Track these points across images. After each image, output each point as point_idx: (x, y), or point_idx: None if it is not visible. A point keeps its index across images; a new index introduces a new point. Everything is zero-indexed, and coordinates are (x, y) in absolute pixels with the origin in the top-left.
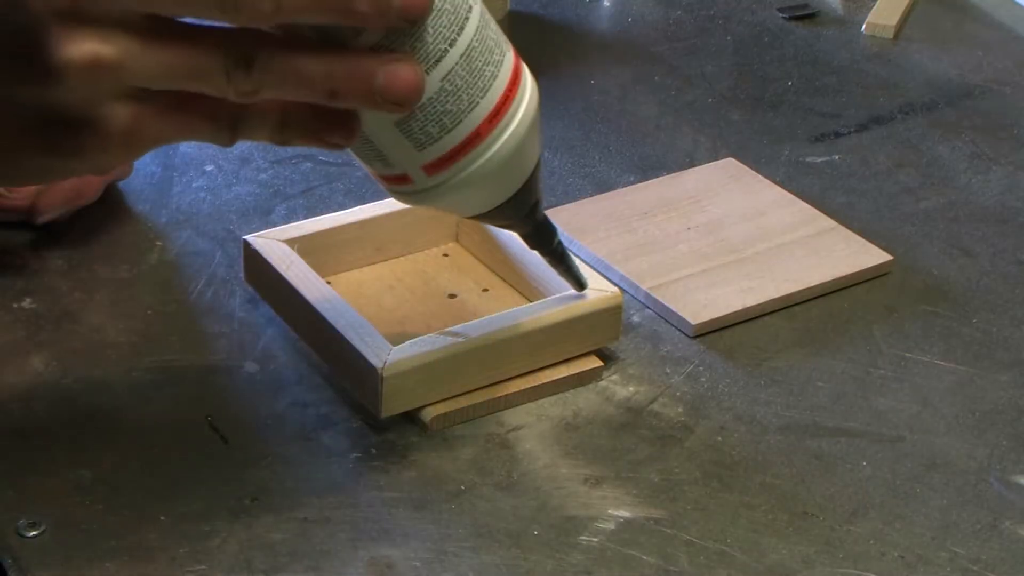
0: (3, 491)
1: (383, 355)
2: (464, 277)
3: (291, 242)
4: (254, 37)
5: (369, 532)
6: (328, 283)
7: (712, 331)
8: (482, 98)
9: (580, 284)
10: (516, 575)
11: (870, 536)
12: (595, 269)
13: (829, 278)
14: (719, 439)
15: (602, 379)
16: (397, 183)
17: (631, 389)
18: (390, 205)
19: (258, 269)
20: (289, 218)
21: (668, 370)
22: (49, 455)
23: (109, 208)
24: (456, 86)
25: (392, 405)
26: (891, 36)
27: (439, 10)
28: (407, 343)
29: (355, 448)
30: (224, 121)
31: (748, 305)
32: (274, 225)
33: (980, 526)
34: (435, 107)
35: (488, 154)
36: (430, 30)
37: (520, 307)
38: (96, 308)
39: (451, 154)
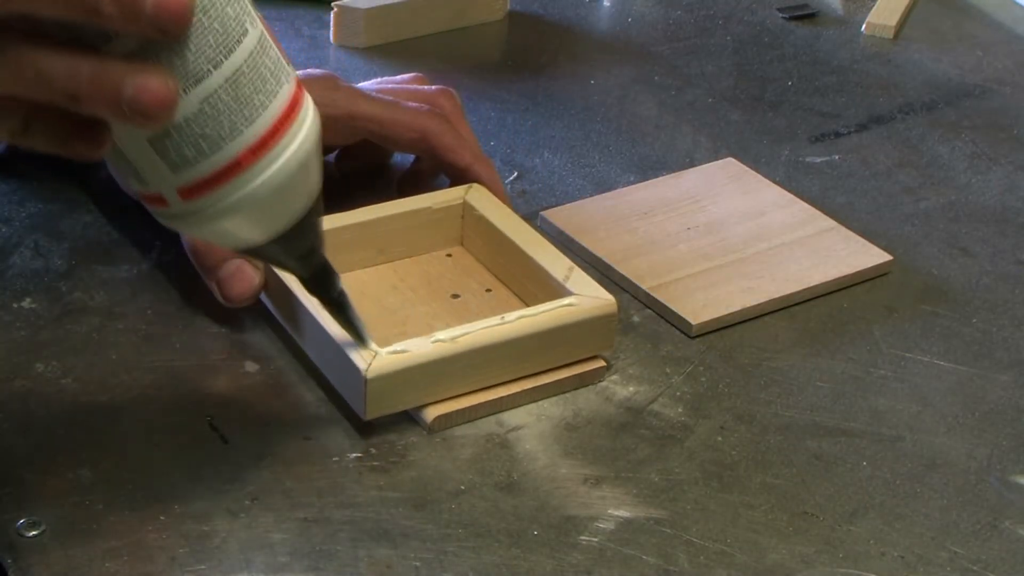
0: (3, 491)
1: (368, 357)
2: (467, 278)
3: None
4: None
5: (369, 532)
6: None
7: (712, 331)
8: (247, 127)
9: (362, 340)
10: (516, 575)
11: (870, 536)
12: (595, 269)
13: (829, 278)
14: (719, 439)
15: (602, 379)
16: (154, 203)
17: (631, 389)
18: (393, 207)
19: (255, 267)
20: None
21: (668, 370)
22: (49, 455)
23: (109, 208)
24: (218, 110)
25: (376, 407)
26: (891, 36)
27: (204, 27)
28: (393, 346)
29: (355, 448)
30: None
31: (748, 305)
32: None
33: (980, 526)
34: (192, 129)
35: (249, 187)
36: (192, 47)
37: (511, 312)
38: (96, 308)
39: (209, 180)
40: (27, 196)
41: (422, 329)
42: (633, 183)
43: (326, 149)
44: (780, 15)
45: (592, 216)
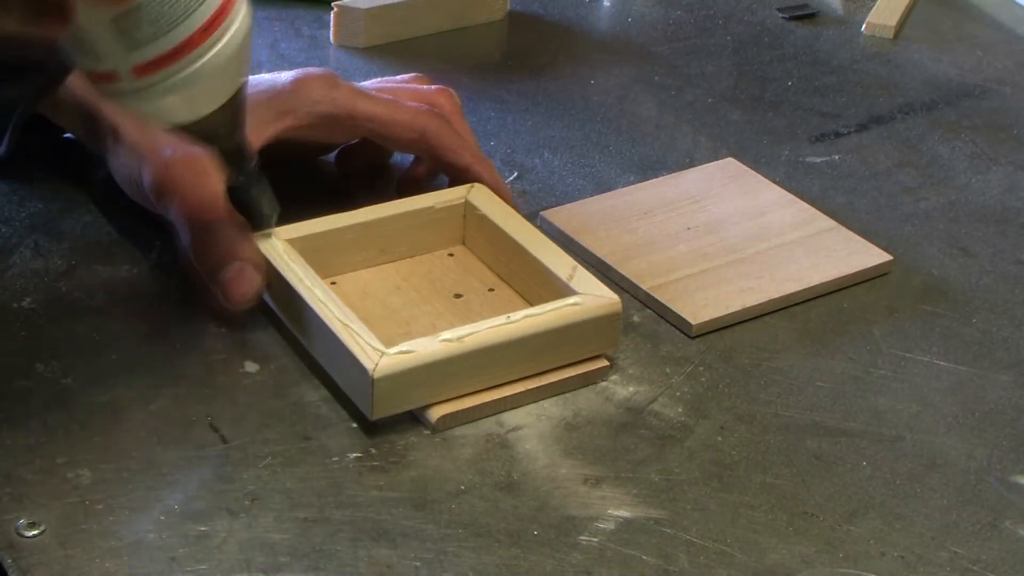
0: (3, 491)
1: (375, 357)
2: (470, 277)
3: (294, 242)
4: None
5: (369, 532)
6: (333, 283)
7: (712, 331)
8: (197, 8)
9: (263, 218)
10: (516, 575)
11: (870, 536)
12: (595, 269)
13: (829, 278)
14: (719, 439)
15: (605, 379)
16: (104, 81)
17: (631, 389)
18: (395, 207)
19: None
20: (294, 219)
21: (668, 370)
22: (49, 455)
23: (109, 208)
24: None
25: (383, 407)
26: (891, 36)
27: None
28: (400, 346)
29: (355, 448)
30: None
31: (748, 305)
32: (278, 226)
33: (980, 526)
34: (152, 9)
35: (199, 63)
36: None
37: (515, 312)
38: (96, 308)
39: (162, 58)
40: (27, 196)
41: (426, 329)
42: (633, 183)
43: (326, 148)
44: (780, 15)
45: (592, 216)
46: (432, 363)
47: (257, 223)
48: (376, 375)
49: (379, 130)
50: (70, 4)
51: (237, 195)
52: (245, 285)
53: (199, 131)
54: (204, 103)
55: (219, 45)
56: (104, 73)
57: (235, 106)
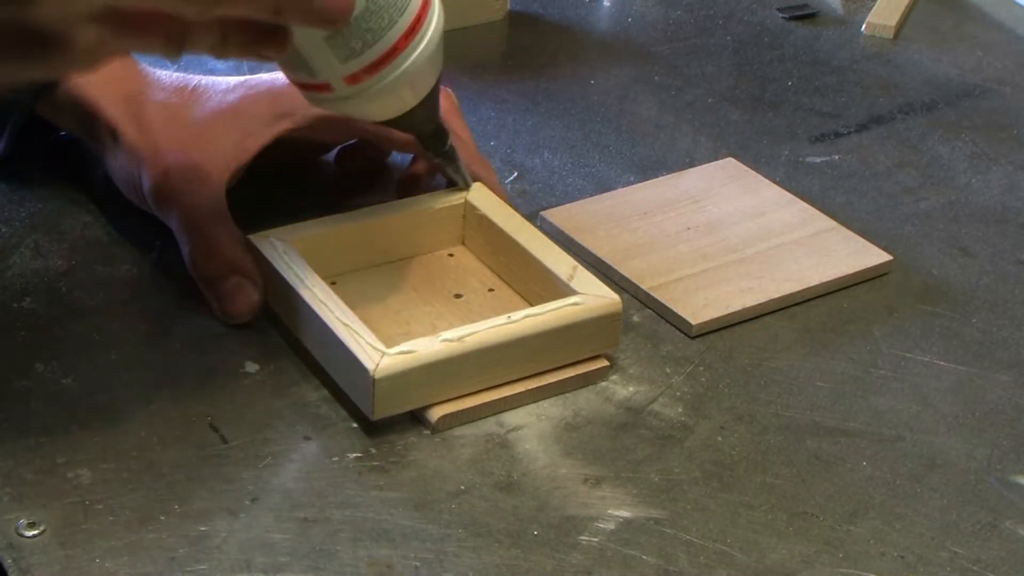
0: (3, 491)
1: (376, 357)
2: (470, 278)
3: (294, 242)
4: None
5: (369, 532)
6: (333, 284)
7: (712, 331)
8: (400, 17)
9: (466, 182)
10: (516, 575)
11: (870, 536)
12: (595, 269)
13: (829, 278)
14: (719, 439)
15: (605, 379)
16: (318, 91)
17: (631, 389)
18: (395, 207)
19: (259, 269)
20: (293, 219)
21: (668, 370)
22: (49, 455)
23: (109, 208)
24: (379, 6)
25: (384, 407)
26: (891, 36)
27: None
28: (401, 346)
29: (355, 448)
30: (174, 37)
31: (748, 305)
32: (278, 226)
33: (980, 526)
34: (360, 24)
35: (404, 66)
36: None
37: (516, 312)
38: (96, 308)
39: (371, 66)
40: (27, 196)
41: (426, 329)
42: (633, 183)
43: (325, 148)
44: (780, 15)
45: (592, 216)
46: (433, 363)
47: (464, 185)
48: (377, 375)
49: (377, 131)
50: (287, 29)
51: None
52: (242, 300)
53: (403, 123)
54: (409, 99)
55: (421, 46)
56: (318, 84)
57: (434, 95)
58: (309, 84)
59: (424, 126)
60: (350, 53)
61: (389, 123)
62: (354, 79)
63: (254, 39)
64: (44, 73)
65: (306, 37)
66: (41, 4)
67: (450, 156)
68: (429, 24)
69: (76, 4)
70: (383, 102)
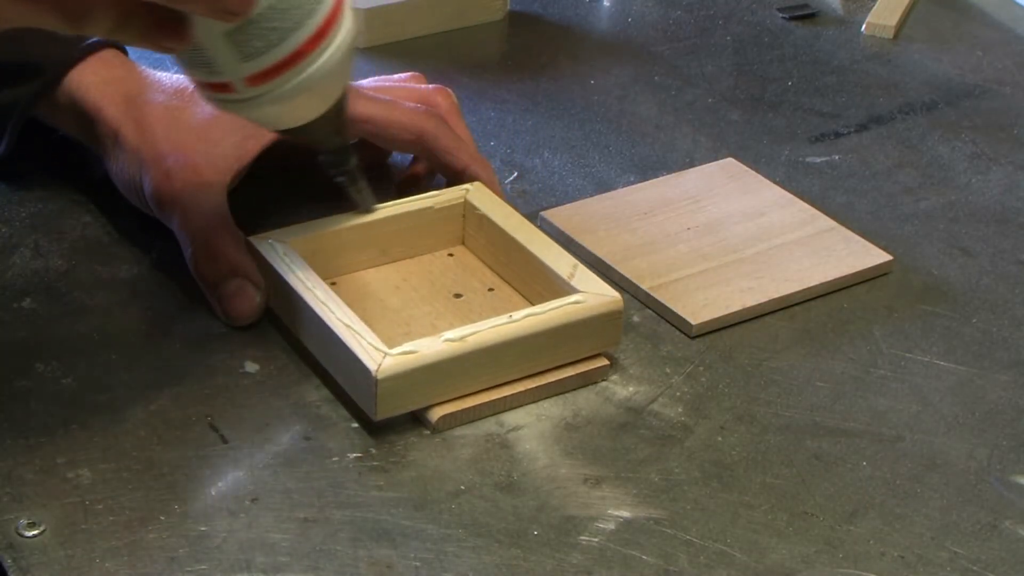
0: (3, 491)
1: (378, 358)
2: (470, 277)
3: (295, 243)
4: None
5: (369, 532)
6: (333, 284)
7: (712, 331)
8: (308, 19)
9: (368, 207)
10: (516, 575)
11: (870, 536)
12: (595, 269)
13: (829, 278)
14: (719, 439)
15: (605, 378)
16: (219, 91)
17: (631, 389)
18: (395, 207)
19: (259, 270)
20: (293, 219)
21: (668, 370)
22: (49, 455)
23: (109, 208)
24: (286, 5)
25: (387, 408)
26: (891, 36)
27: None
28: (403, 346)
29: (355, 448)
30: (70, 13)
31: (748, 305)
32: (278, 226)
33: (980, 526)
34: (264, 23)
35: (308, 71)
36: None
37: (518, 311)
38: (96, 308)
39: (274, 68)
40: (27, 196)
41: (426, 329)
42: (633, 183)
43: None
44: (780, 15)
45: (592, 216)
46: (435, 363)
47: (364, 209)
48: (379, 376)
49: (377, 131)
50: (188, 20)
51: (338, 187)
52: (244, 303)
53: (306, 134)
54: (313, 108)
55: (328, 52)
56: (218, 83)
57: (340, 108)
58: (209, 83)
59: (329, 141)
60: (253, 52)
61: (290, 133)
62: (255, 80)
63: (154, 26)
64: None
65: (208, 30)
66: None
67: (353, 177)
68: (338, 31)
69: None
70: (284, 108)
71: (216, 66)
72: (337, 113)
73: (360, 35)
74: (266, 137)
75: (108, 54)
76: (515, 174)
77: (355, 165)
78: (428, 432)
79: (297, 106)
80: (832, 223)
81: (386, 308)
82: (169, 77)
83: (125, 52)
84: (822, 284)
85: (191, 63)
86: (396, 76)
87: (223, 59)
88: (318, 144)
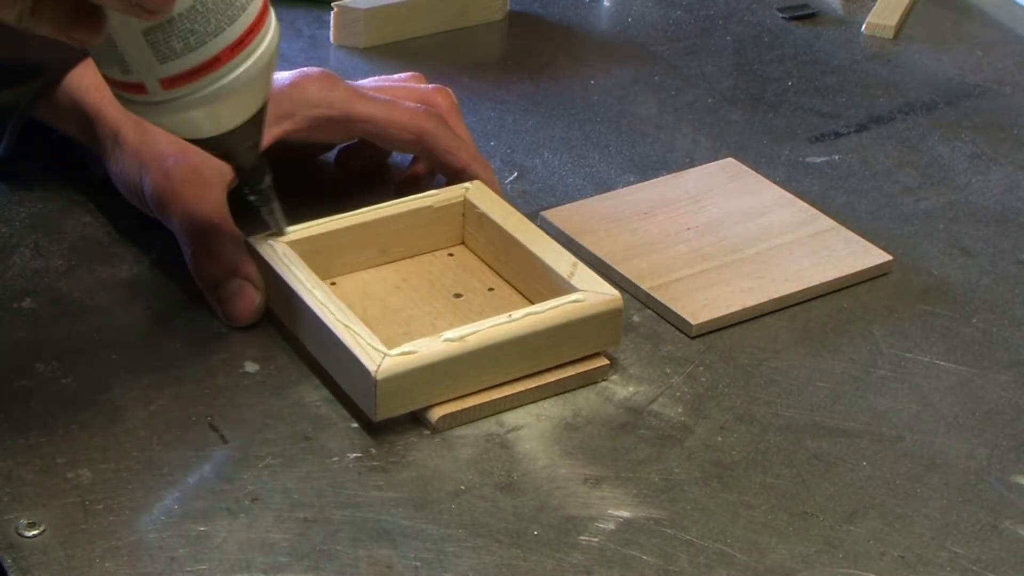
0: (3, 491)
1: (377, 358)
2: (470, 277)
3: (295, 243)
4: None
5: (369, 532)
6: (333, 284)
7: (712, 331)
8: (228, 26)
9: (281, 230)
10: (516, 575)
11: (870, 536)
12: (595, 269)
13: (829, 278)
14: (719, 439)
15: (605, 378)
16: (131, 91)
17: (631, 389)
18: (395, 207)
19: (259, 270)
20: (293, 219)
21: (668, 370)
22: (49, 455)
23: (109, 208)
24: (208, 8)
25: (387, 408)
26: (891, 36)
27: None
28: (403, 346)
29: (355, 448)
30: None
31: (748, 305)
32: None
33: (980, 526)
34: (184, 24)
35: (225, 79)
36: None
37: (517, 311)
38: (96, 308)
39: (190, 72)
40: (27, 196)
41: (426, 329)
42: (633, 183)
43: (325, 148)
44: (780, 15)
45: (592, 216)
46: (435, 363)
47: (276, 231)
48: (379, 376)
49: (377, 131)
50: (103, 13)
51: (249, 206)
52: (244, 303)
53: (219, 146)
54: (228, 118)
55: (248, 63)
56: (131, 83)
57: (257, 123)
58: (122, 82)
59: (243, 156)
60: (169, 53)
61: (204, 144)
62: (170, 83)
63: (66, 17)
64: None
65: (124, 27)
66: None
67: (266, 196)
68: (261, 41)
69: None
70: (198, 116)
71: (129, 65)
72: (254, 127)
73: (360, 35)
74: (266, 137)
75: None
76: (515, 174)
77: (269, 185)
78: (428, 432)
79: (211, 114)
80: (832, 223)
81: (386, 308)
82: None
83: None
84: (822, 284)
85: (102, 59)
86: (396, 76)
87: (138, 58)
88: (232, 158)
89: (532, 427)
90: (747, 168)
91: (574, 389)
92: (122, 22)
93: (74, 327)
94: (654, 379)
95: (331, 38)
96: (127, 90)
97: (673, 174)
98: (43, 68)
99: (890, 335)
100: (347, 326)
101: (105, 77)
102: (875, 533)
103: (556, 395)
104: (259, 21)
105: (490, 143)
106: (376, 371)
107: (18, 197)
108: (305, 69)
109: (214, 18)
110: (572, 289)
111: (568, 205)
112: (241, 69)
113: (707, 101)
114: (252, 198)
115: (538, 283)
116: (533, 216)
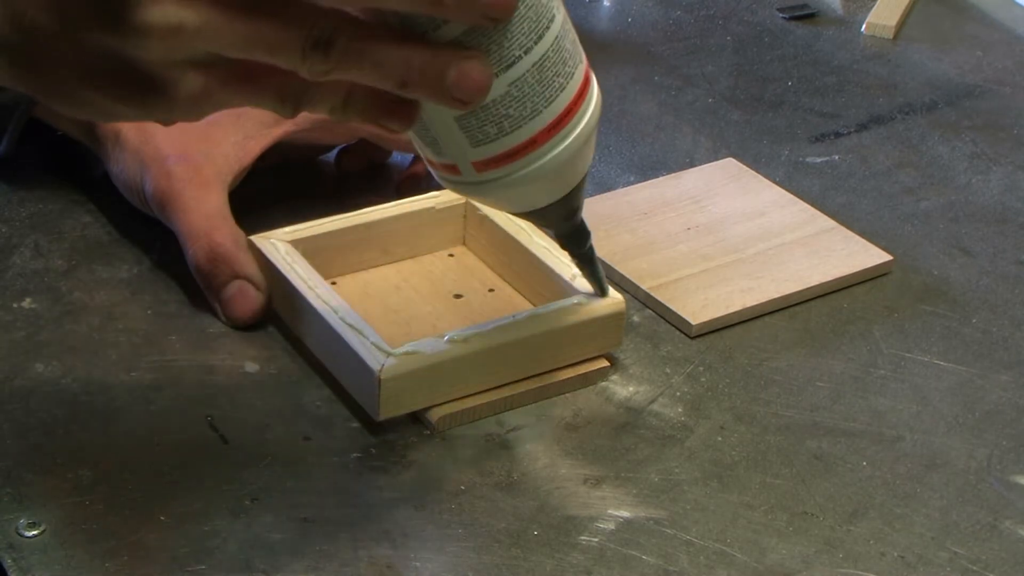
0: (3, 491)
1: (381, 358)
2: (470, 278)
3: (295, 243)
4: (338, 18)
5: (369, 532)
6: (334, 284)
7: (712, 331)
8: (546, 108)
9: (603, 290)
10: (516, 575)
11: (870, 536)
12: None
13: (829, 278)
14: (719, 439)
15: (606, 379)
16: (445, 171)
17: (631, 389)
18: (396, 207)
19: (261, 269)
20: (294, 219)
21: (668, 370)
22: (49, 455)
23: (109, 208)
24: (523, 92)
25: (389, 408)
26: (891, 36)
27: (521, 16)
28: (406, 346)
29: (355, 448)
30: (289, 94)
31: (748, 305)
32: (279, 226)
33: (980, 526)
34: (498, 109)
35: (540, 162)
36: (508, 34)
37: (520, 312)
38: (96, 308)
39: (504, 155)
40: (27, 196)
41: (427, 330)
42: (633, 183)
43: (324, 149)
44: (780, 15)
45: (592, 216)
46: (438, 363)
47: (599, 293)
48: (383, 376)
49: (377, 131)
50: (416, 104)
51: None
52: (246, 304)
53: (537, 217)
54: (544, 196)
55: (565, 143)
56: (445, 164)
57: (577, 194)
58: (435, 162)
59: (561, 224)
60: (483, 138)
61: (521, 215)
62: (483, 166)
63: (378, 108)
64: (141, 115)
65: (437, 112)
66: (144, 43)
67: (587, 259)
68: (581, 118)
69: (180, 49)
70: (511, 195)
71: (443, 148)
72: (573, 198)
73: None
74: (267, 138)
75: None
76: None
77: (590, 246)
78: (428, 432)
79: (527, 194)
80: (832, 223)
81: (387, 308)
82: None
83: None
84: (822, 284)
85: (417, 140)
86: None
87: (450, 142)
88: (550, 226)
89: (532, 427)
90: (747, 168)
91: (574, 390)
92: (436, 109)
93: (74, 327)
94: (654, 379)
95: None
96: (441, 169)
97: (673, 174)
98: None
99: (890, 335)
100: (351, 325)
101: (420, 154)
102: (875, 533)
103: (556, 396)
104: (579, 97)
105: None
106: (380, 371)
107: (18, 197)
108: None
109: (530, 102)
110: (574, 291)
111: None
112: (558, 150)
113: (707, 101)
114: (573, 260)
115: (539, 285)
116: None
